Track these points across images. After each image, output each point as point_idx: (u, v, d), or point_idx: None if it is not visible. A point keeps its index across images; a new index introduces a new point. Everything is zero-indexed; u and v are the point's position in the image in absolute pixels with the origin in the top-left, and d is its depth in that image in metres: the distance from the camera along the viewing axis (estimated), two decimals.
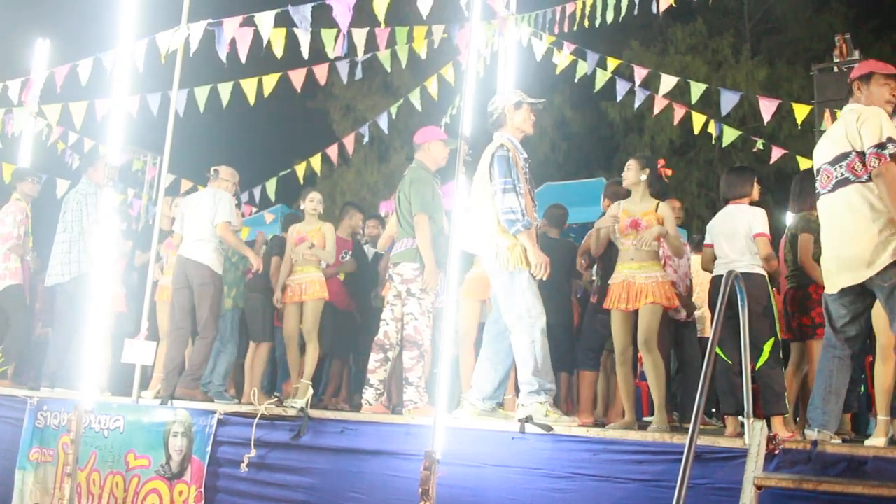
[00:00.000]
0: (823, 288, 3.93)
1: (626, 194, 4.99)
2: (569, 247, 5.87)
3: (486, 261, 4.47)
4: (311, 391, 5.71)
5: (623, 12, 6.93)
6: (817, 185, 3.89)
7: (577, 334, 5.81)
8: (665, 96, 7.37)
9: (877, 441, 3.83)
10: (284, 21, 5.78)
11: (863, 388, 5.50)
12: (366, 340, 6.28)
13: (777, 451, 3.27)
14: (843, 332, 3.78)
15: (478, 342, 5.27)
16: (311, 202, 6.05)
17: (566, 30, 7.32)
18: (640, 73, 7.26)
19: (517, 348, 4.29)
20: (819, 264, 4.20)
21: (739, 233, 4.44)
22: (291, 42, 5.94)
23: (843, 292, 3.74)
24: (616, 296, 4.70)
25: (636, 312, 4.65)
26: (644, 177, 4.75)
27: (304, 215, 6.14)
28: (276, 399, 5.28)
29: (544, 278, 4.32)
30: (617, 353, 4.79)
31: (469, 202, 4.60)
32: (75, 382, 5.60)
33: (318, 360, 6.07)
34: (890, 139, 3.53)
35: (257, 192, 9.94)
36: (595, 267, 5.49)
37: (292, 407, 4.94)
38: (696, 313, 6.12)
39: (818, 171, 3.87)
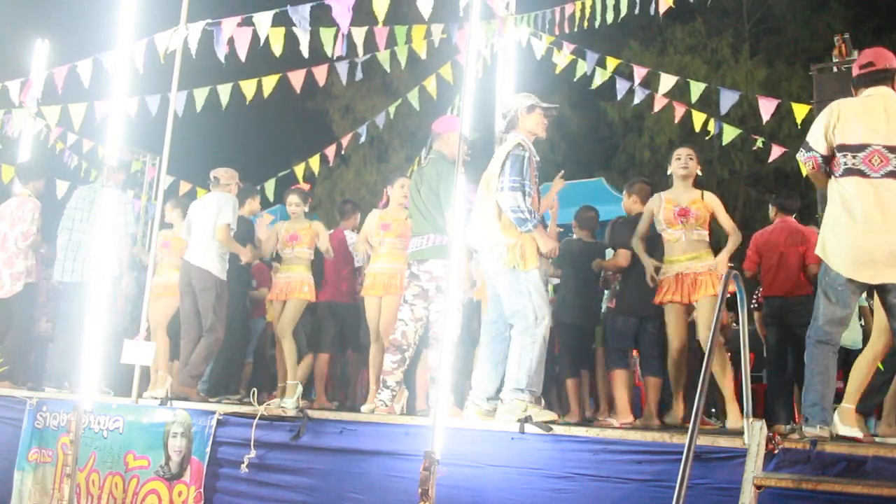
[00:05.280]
0: None
1: (652, 191, 4.98)
2: (600, 250, 5.84)
3: (486, 258, 4.44)
4: (299, 389, 5.79)
5: (623, 13, 6.93)
6: (858, 161, 3.66)
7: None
8: (664, 95, 7.36)
9: (852, 432, 3.73)
10: (283, 21, 5.78)
11: None
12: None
13: (777, 451, 3.27)
14: (843, 325, 3.74)
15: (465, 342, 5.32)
16: (290, 205, 6.21)
17: (566, 31, 7.31)
18: (639, 72, 7.25)
19: (516, 346, 4.27)
20: None
21: None
22: (291, 43, 5.93)
23: (862, 286, 3.67)
24: (669, 290, 4.67)
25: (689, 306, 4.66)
26: (699, 170, 4.82)
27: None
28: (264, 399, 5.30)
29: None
30: (674, 349, 4.76)
31: (476, 199, 4.57)
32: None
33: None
34: None
35: None
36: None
37: (282, 407, 4.93)
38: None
39: (863, 146, 3.66)
